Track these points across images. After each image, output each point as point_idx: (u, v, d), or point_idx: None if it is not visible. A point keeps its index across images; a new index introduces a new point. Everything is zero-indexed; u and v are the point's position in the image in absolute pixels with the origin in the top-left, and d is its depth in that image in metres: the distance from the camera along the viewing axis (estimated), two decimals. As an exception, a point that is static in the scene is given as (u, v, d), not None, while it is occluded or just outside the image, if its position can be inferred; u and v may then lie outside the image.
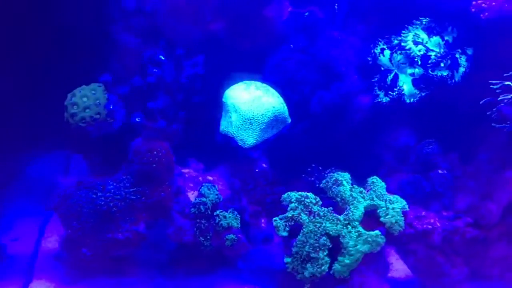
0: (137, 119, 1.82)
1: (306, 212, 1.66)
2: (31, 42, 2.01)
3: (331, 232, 1.62)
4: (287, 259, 1.66)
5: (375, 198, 1.65)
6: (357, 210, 1.64)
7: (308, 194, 1.70)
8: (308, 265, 1.62)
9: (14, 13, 1.96)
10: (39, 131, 2.07)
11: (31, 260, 1.88)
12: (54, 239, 1.95)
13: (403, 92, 1.86)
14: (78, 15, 2.01)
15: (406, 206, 1.66)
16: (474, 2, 1.72)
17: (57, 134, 2.05)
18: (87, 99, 1.90)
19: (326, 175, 1.82)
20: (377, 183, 1.70)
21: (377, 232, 1.60)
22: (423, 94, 1.85)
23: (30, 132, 2.06)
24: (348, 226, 1.62)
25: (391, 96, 1.88)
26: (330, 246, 1.62)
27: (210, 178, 1.89)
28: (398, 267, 1.87)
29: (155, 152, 1.76)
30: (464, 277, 1.71)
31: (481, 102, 1.63)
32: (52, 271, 1.82)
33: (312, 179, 1.88)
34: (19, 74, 2.00)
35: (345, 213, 1.65)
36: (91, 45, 2.04)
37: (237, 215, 1.77)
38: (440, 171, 1.81)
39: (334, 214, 1.65)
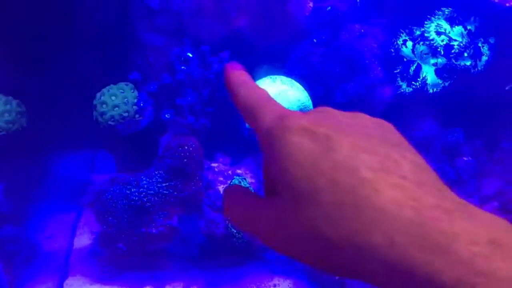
0: (166, 116, 1.86)
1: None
2: (56, 42, 2.05)
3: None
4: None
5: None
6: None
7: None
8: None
9: (39, 13, 2.00)
10: (66, 131, 2.11)
11: (65, 257, 1.92)
12: (86, 236, 1.99)
13: (426, 82, 1.89)
14: (103, 15, 2.05)
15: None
16: (496, -8, 1.76)
17: (84, 133, 2.09)
18: (116, 97, 1.94)
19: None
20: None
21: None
22: (446, 83, 1.88)
23: (57, 132, 2.10)
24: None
25: (414, 87, 1.91)
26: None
27: (239, 171, 1.93)
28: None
29: (186, 147, 1.79)
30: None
31: (506, 88, 1.66)
32: (87, 267, 1.87)
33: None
34: (45, 75, 2.04)
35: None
36: (116, 44, 2.08)
37: (268, 206, 1.80)
38: (465, 158, 1.85)
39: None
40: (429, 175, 0.29)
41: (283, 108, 0.34)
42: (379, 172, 0.28)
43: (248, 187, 1.83)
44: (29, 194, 2.06)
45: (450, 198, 0.28)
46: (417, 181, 0.28)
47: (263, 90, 0.36)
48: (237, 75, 0.37)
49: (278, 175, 0.30)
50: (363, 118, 0.33)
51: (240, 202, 0.34)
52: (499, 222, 0.27)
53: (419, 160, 0.30)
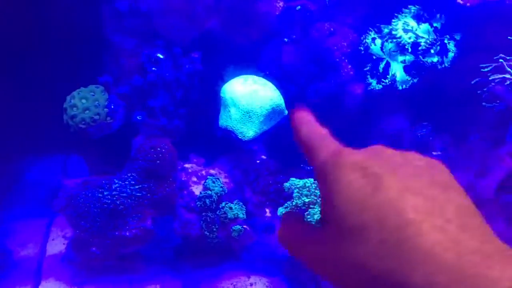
0: (138, 117, 1.85)
1: (310, 196, 1.71)
2: (24, 46, 2.01)
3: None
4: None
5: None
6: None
7: (308, 179, 1.75)
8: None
9: (8, 16, 1.97)
10: (36, 136, 2.08)
11: (38, 263, 1.89)
12: (59, 241, 1.96)
13: (395, 79, 1.92)
14: (71, 18, 2.03)
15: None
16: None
17: (55, 137, 2.06)
18: (86, 100, 1.92)
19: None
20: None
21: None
22: (415, 80, 1.91)
23: (26, 137, 2.06)
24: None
25: (383, 84, 1.94)
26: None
27: (212, 171, 1.93)
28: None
29: (158, 149, 1.79)
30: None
31: (472, 82, 1.70)
32: (60, 272, 1.84)
33: (310, 167, 1.93)
34: (14, 79, 2.00)
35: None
36: (85, 47, 2.05)
37: (243, 206, 1.81)
38: (434, 153, 1.88)
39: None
40: (475, 219, 0.30)
41: (339, 145, 0.36)
42: (424, 215, 0.29)
43: (222, 186, 1.84)
44: (0, 199, 2.02)
45: (492, 242, 0.29)
46: (461, 224, 0.29)
47: (323, 129, 0.38)
48: (302, 114, 0.39)
49: (329, 208, 0.32)
50: (415, 158, 0.34)
51: (294, 229, 0.36)
52: None
53: (466, 202, 0.31)
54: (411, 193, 0.30)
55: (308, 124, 0.38)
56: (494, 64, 1.61)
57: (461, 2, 1.84)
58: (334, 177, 0.32)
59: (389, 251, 0.28)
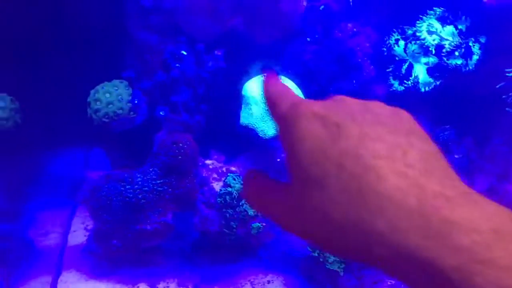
0: (161, 113, 1.87)
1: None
2: (50, 41, 2.05)
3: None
4: (313, 244, 1.71)
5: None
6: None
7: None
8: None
9: (33, 11, 2.00)
10: (59, 129, 2.12)
11: (60, 253, 1.92)
12: (81, 232, 1.99)
13: (418, 81, 1.92)
14: (96, 13, 2.06)
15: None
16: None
17: (77, 131, 2.09)
18: (110, 95, 1.94)
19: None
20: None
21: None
22: (437, 82, 1.91)
23: (50, 130, 2.10)
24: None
25: (406, 85, 1.94)
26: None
27: (233, 168, 1.94)
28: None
29: (180, 145, 1.80)
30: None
31: (497, 86, 1.69)
32: (81, 263, 1.87)
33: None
34: (39, 72, 2.04)
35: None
36: (109, 42, 2.08)
37: (263, 203, 1.82)
38: (456, 156, 1.88)
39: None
40: (438, 163, 0.30)
41: (300, 97, 0.35)
42: (384, 160, 0.28)
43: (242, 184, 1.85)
44: (23, 191, 2.06)
45: (455, 187, 0.28)
46: (423, 169, 0.28)
47: (289, 87, 0.38)
48: (271, 77, 0.39)
49: (292, 160, 0.32)
50: (378, 106, 0.34)
51: (260, 186, 0.35)
52: (503, 211, 0.27)
53: (430, 148, 0.30)
54: (371, 139, 0.29)
55: (274, 83, 0.37)
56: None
57: (486, 0, 1.82)
58: (293, 128, 0.32)
59: (351, 199, 0.28)
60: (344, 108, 0.32)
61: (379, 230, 0.27)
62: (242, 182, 0.41)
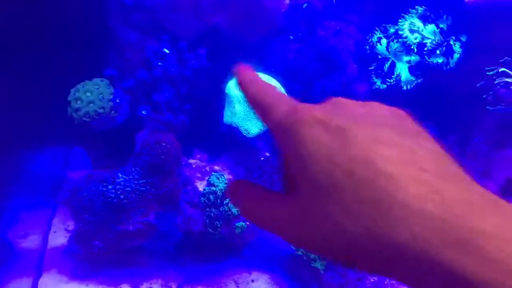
0: (143, 112, 1.85)
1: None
2: (30, 38, 2.01)
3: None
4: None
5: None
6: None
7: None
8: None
9: (12, 10, 1.96)
10: (39, 128, 2.08)
11: (40, 255, 1.89)
12: (61, 233, 1.96)
13: (400, 79, 1.93)
14: (77, 10, 2.02)
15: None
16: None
17: (58, 130, 2.06)
18: (91, 93, 1.91)
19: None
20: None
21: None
22: (419, 80, 1.92)
23: (30, 129, 2.06)
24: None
25: (388, 83, 1.95)
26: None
27: (216, 167, 1.93)
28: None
29: (163, 144, 1.79)
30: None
31: (478, 85, 1.71)
32: (62, 264, 1.84)
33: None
34: (18, 72, 2.00)
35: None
36: (90, 40, 2.05)
37: (246, 202, 1.82)
38: (438, 154, 1.89)
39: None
40: (450, 165, 0.28)
41: (294, 101, 0.33)
42: (397, 165, 0.26)
43: (226, 183, 1.84)
44: (2, 191, 2.02)
45: (473, 190, 0.27)
46: (438, 172, 0.27)
47: (273, 86, 0.35)
48: (247, 73, 0.36)
49: (296, 169, 0.29)
50: (378, 107, 0.32)
51: (250, 195, 0.33)
52: None
53: (438, 149, 0.29)
54: (379, 143, 0.27)
55: (257, 82, 0.35)
56: (498, 68, 1.62)
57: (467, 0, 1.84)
58: (295, 136, 0.29)
59: (366, 209, 0.26)
60: (345, 111, 0.31)
61: (400, 241, 0.25)
62: (229, 193, 0.37)
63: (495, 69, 1.67)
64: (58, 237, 1.96)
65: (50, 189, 2.09)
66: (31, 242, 1.95)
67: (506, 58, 1.68)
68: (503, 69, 1.63)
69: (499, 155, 1.70)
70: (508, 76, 1.60)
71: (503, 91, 1.65)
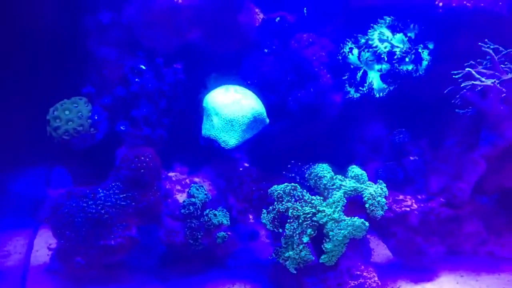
0: (122, 128, 1.87)
1: (291, 201, 1.73)
2: (7, 59, 2.03)
3: (316, 216, 1.68)
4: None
5: (356, 183, 1.75)
6: (338, 193, 1.71)
7: (293, 184, 1.76)
8: (291, 252, 1.68)
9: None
10: (19, 148, 2.09)
11: (22, 274, 1.88)
12: (43, 251, 1.96)
13: (372, 87, 1.98)
14: (54, 29, 2.05)
15: (385, 189, 1.74)
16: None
17: (38, 149, 2.07)
18: (69, 112, 1.94)
19: (305, 170, 1.91)
20: (357, 170, 1.79)
21: (361, 220, 1.67)
22: (391, 88, 1.98)
23: (9, 149, 2.07)
24: (332, 206, 1.69)
25: (361, 92, 2.00)
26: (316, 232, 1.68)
27: (196, 179, 1.96)
28: (380, 252, 1.99)
29: (142, 158, 1.81)
30: (441, 255, 1.84)
31: (445, 91, 1.76)
32: (45, 283, 1.84)
33: (292, 174, 1.97)
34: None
35: (328, 196, 1.73)
36: (68, 59, 2.08)
37: (227, 212, 1.84)
38: (411, 158, 1.94)
39: (317, 197, 1.73)
40: None
41: None
42: None
43: (206, 193, 1.86)
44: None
45: None
46: None
47: None
48: None
49: None
50: None
51: None
52: None
53: None
54: None
55: None
56: (464, 71, 1.69)
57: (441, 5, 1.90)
58: None
59: None
60: None
61: None
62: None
63: (461, 72, 1.72)
64: (41, 256, 1.96)
65: (32, 209, 2.09)
66: (13, 261, 1.94)
67: (471, 62, 1.74)
68: (468, 69, 1.69)
69: (470, 156, 1.75)
70: (474, 78, 1.66)
71: (470, 94, 1.71)
